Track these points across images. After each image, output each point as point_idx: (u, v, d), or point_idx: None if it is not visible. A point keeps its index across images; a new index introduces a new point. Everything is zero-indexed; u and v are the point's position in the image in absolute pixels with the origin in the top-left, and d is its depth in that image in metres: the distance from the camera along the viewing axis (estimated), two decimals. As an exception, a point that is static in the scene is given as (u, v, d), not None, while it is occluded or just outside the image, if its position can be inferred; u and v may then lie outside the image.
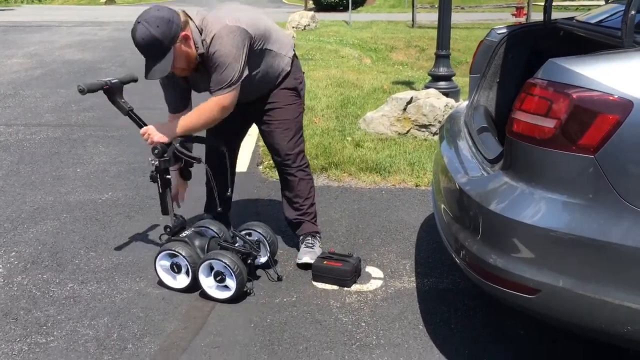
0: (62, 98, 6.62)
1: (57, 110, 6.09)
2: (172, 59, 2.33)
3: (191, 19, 2.43)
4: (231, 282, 2.50)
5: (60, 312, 2.46)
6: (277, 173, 4.07)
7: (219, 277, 2.51)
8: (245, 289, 2.55)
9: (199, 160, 2.58)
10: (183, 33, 2.35)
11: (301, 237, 2.91)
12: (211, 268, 2.53)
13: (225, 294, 2.53)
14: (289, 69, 2.70)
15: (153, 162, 2.53)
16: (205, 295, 2.55)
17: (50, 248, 3.03)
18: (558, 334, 2.27)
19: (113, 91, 2.52)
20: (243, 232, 2.74)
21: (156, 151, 2.50)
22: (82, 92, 2.42)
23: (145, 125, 2.56)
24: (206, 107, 2.46)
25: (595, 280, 1.65)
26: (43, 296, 2.58)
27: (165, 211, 2.66)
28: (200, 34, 2.41)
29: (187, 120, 2.50)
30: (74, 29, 14.64)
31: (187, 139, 2.58)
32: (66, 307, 2.50)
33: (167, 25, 2.28)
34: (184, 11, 2.42)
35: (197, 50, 2.41)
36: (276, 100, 2.72)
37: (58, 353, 2.19)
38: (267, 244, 2.75)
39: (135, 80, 2.65)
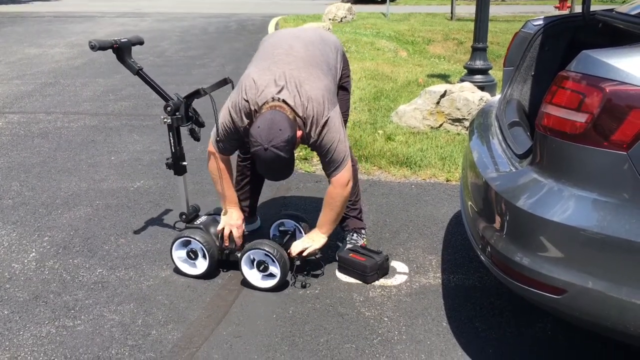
0: (101, 87, 6.76)
1: (95, 99, 6.22)
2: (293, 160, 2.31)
3: (291, 107, 2.28)
4: (275, 269, 2.51)
5: (88, 296, 2.51)
6: (305, 165, 4.10)
7: (262, 267, 2.52)
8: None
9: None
10: (298, 136, 2.28)
11: (345, 233, 2.89)
12: (252, 260, 2.54)
13: (272, 282, 2.52)
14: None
15: (165, 120, 2.61)
16: (251, 287, 2.56)
17: (82, 234, 3.10)
18: (588, 336, 2.19)
19: (122, 50, 2.59)
20: (276, 223, 2.75)
21: (169, 109, 2.58)
22: (92, 48, 2.50)
23: (154, 82, 2.65)
24: (335, 196, 2.46)
25: (625, 282, 1.58)
26: (73, 280, 2.64)
27: (177, 172, 2.75)
28: (305, 126, 2.32)
29: (330, 218, 2.53)
30: (115, 19, 14.93)
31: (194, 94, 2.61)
32: (94, 292, 2.55)
33: (292, 143, 2.22)
34: (284, 102, 2.27)
35: (301, 140, 2.36)
36: None
37: (84, 337, 2.24)
38: (296, 236, 2.75)
39: (142, 43, 2.73)
